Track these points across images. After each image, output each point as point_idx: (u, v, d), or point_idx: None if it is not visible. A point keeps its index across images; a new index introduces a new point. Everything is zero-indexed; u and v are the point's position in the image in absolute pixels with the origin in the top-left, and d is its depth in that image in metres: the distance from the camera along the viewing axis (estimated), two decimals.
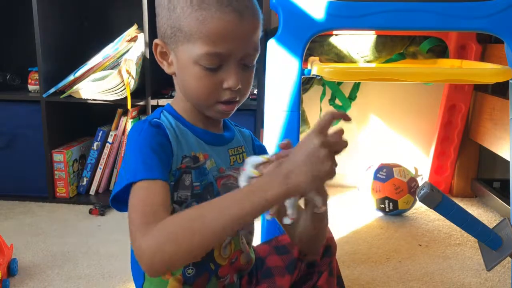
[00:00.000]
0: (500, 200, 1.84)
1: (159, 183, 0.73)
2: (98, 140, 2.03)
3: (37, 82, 1.99)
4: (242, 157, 0.88)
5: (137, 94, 1.94)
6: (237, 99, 0.80)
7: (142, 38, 1.91)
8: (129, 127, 1.98)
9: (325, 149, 0.64)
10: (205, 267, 0.82)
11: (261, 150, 0.93)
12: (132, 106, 1.92)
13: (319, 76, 1.36)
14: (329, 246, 0.92)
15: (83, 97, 1.91)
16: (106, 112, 2.07)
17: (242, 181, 0.73)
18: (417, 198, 1.08)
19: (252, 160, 0.74)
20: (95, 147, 2.03)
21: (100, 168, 2.04)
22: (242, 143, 0.90)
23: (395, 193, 1.83)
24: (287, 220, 0.71)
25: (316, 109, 2.11)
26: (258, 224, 1.30)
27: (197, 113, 0.83)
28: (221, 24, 0.74)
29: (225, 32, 0.74)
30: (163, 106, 0.87)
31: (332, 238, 0.95)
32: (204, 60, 0.76)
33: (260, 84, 1.79)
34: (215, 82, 0.77)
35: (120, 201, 0.77)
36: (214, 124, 0.86)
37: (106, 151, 2.03)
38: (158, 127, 0.78)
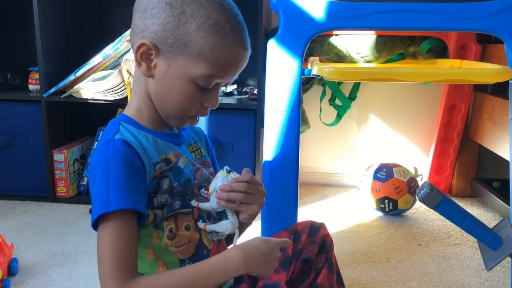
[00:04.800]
0: (499, 200, 1.84)
1: (128, 218, 0.76)
2: (98, 139, 2.03)
3: (37, 82, 1.99)
4: (200, 152, 0.92)
5: None
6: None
7: None
8: None
9: (278, 256, 0.81)
10: (200, 255, 0.84)
11: (212, 149, 0.99)
12: None
13: (319, 76, 1.36)
14: (324, 243, 0.95)
15: (83, 97, 1.91)
16: (106, 112, 2.06)
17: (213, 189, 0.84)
18: (417, 198, 1.08)
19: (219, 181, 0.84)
20: (95, 147, 2.04)
21: None
22: (196, 139, 0.94)
23: (395, 193, 1.83)
24: (201, 225, 0.85)
25: (316, 109, 2.11)
26: (258, 224, 1.30)
27: (157, 119, 0.85)
28: (232, 54, 0.79)
29: (232, 62, 0.79)
30: None
31: (327, 234, 0.96)
32: (202, 80, 0.79)
33: (260, 84, 1.79)
34: (199, 100, 0.82)
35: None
36: (171, 126, 0.89)
37: None
38: (125, 144, 0.78)
